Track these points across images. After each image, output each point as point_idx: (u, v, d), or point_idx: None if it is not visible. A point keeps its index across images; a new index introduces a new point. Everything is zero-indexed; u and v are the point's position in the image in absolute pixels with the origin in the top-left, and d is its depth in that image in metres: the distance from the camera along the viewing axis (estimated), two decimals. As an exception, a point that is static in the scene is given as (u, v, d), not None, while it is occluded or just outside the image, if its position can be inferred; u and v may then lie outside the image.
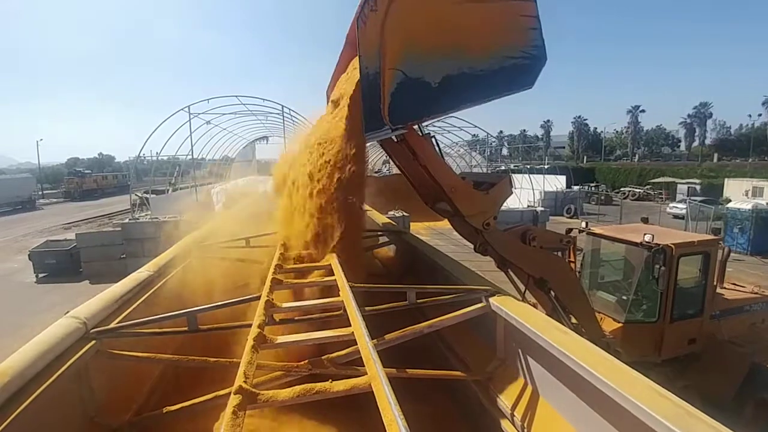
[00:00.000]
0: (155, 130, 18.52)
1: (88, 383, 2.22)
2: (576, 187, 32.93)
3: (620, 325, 6.09)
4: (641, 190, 40.62)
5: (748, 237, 18.63)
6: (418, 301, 2.66)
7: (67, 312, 2.40)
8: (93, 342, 2.22)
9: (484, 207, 3.87)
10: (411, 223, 16.24)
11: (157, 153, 22.33)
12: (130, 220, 16.44)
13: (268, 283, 2.51)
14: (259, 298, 2.31)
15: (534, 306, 5.35)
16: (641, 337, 5.98)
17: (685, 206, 23.60)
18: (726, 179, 34.52)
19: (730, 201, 24.74)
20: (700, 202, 24.24)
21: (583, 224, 7.26)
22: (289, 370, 2.15)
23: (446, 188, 3.70)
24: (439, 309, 2.86)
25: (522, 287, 4.90)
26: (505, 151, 54.08)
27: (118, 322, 2.55)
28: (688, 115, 77.50)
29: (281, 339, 1.79)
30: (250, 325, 1.96)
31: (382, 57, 2.70)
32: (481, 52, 2.89)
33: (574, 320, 5.16)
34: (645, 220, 8.09)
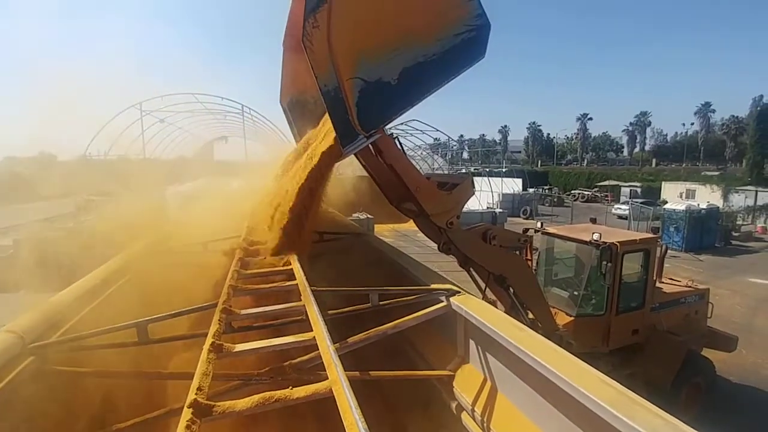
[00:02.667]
0: (103, 127, 17.39)
1: (28, 403, 2.04)
2: (531, 190, 34.48)
3: (572, 318, 6.45)
4: (590, 193, 43.25)
5: (683, 235, 20.33)
6: (381, 303, 2.68)
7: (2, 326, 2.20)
8: (31, 358, 2.04)
9: (447, 206, 3.99)
10: (375, 225, 16.24)
11: (105, 152, 20.96)
12: (74, 224, 15.28)
13: (225, 289, 2.43)
14: (215, 305, 2.22)
15: (494, 303, 5.57)
16: (591, 329, 6.36)
17: (628, 207, 25.39)
18: (663, 182, 37.38)
19: (666, 202, 26.93)
20: (641, 203, 26.15)
21: (538, 224, 7.65)
22: (249, 379, 2.08)
23: (411, 187, 3.79)
24: (402, 310, 2.90)
25: (483, 285, 5.08)
26: (465, 155, 55.70)
27: (59, 336, 2.35)
28: (630, 123, 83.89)
29: (239, 347, 1.74)
30: (206, 335, 1.88)
31: (337, 70, 2.69)
32: (429, 37, 2.91)
33: (531, 315, 5.41)
34: (593, 221, 8.61)
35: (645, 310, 6.68)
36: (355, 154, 4.34)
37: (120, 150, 21.09)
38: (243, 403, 1.28)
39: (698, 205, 22.61)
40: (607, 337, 6.36)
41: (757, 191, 27.53)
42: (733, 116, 65.49)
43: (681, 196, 31.02)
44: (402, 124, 26.02)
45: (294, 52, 3.76)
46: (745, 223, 24.89)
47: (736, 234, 23.06)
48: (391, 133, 4.11)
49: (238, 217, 5.39)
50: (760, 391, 8.13)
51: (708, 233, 21.29)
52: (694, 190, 32.13)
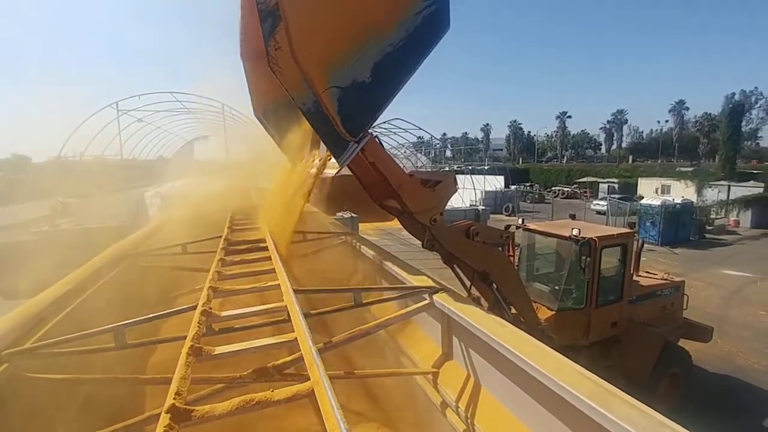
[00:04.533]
0: (78, 127, 16.86)
1: (2, 411, 1.96)
2: (513, 187, 34.98)
3: (553, 312, 6.55)
4: (569, 189, 44.12)
5: (658, 230, 20.98)
6: (364, 301, 2.68)
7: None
8: (5, 365, 1.97)
9: (431, 203, 3.98)
10: (360, 224, 16.23)
11: (81, 153, 20.32)
12: (50, 227, 14.79)
13: (205, 291, 2.38)
14: (195, 308, 2.18)
15: (478, 300, 5.63)
16: (571, 322, 6.46)
17: (605, 203, 26.04)
18: (639, 178, 38.33)
19: (642, 198, 27.68)
20: (618, 199, 26.84)
21: (520, 221, 7.74)
22: (232, 382, 2.05)
23: (395, 185, 3.77)
24: (386, 308, 2.91)
25: (467, 282, 5.12)
26: (448, 153, 56.09)
27: (34, 342, 2.27)
28: (608, 121, 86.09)
29: (219, 350, 1.71)
30: (185, 338, 1.85)
31: (311, 85, 2.64)
32: (391, 24, 2.85)
33: (513, 311, 5.48)
34: (573, 217, 8.80)
35: (623, 303, 6.84)
36: None
37: (97, 150, 20.47)
38: (222, 407, 1.26)
39: (673, 200, 23.36)
40: (587, 330, 6.48)
41: (729, 186, 28.56)
42: (707, 113, 67.81)
43: (657, 192, 31.92)
44: (385, 122, 26.02)
45: (253, 61, 3.68)
46: (718, 216, 25.72)
47: (710, 227, 23.86)
48: (370, 132, 4.11)
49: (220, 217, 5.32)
50: (736, 379, 8.48)
51: (683, 227, 22.00)
52: (669, 186, 33.09)
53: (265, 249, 3.50)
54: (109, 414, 2.48)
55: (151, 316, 2.45)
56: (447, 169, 41.10)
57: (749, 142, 71.08)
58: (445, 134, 77.00)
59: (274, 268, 2.76)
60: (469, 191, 26.55)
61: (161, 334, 2.84)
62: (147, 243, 4.66)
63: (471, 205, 22.41)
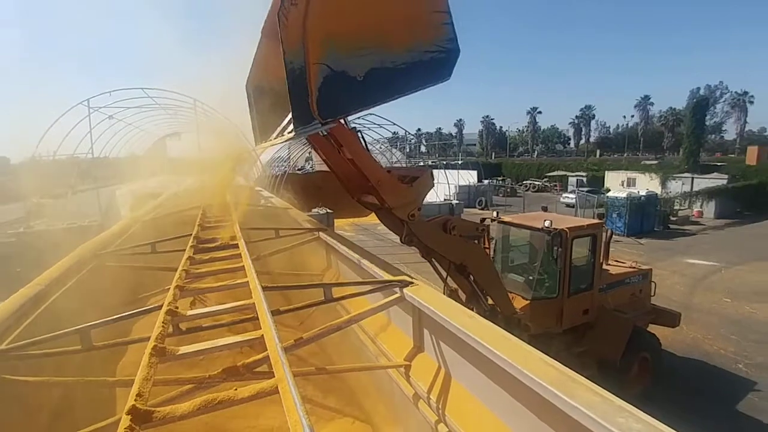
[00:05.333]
0: (50, 126, 16.06)
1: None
2: (486, 181, 35.56)
3: (528, 302, 6.73)
4: (540, 183, 45.31)
5: (625, 221, 21.86)
6: (336, 296, 2.66)
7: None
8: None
9: (408, 199, 4.07)
10: (335, 220, 16.14)
11: (53, 152, 19.30)
12: (25, 229, 14.11)
13: (171, 290, 2.32)
14: (160, 307, 2.12)
15: (455, 292, 5.72)
16: (545, 311, 6.65)
17: (574, 196, 26.89)
18: (606, 172, 39.74)
19: (609, 190, 28.76)
20: (586, 192, 27.77)
21: (494, 214, 7.93)
22: (200, 383, 2.00)
23: (373, 181, 3.83)
24: (359, 303, 2.90)
25: (445, 275, 5.20)
26: (423, 148, 56.45)
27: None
28: (576, 117, 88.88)
29: (183, 350, 1.66)
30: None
31: (306, 52, 2.72)
32: (401, 46, 3.05)
33: (490, 301, 5.60)
34: (545, 209, 9.08)
35: (594, 291, 7.08)
36: (316, 149, 4.29)
37: (68, 149, 19.53)
38: (185, 407, 1.23)
39: (638, 192, 24.36)
40: (560, 318, 6.69)
41: (693, 178, 29.95)
42: (671, 108, 70.88)
43: (623, 184, 33.17)
44: (359, 118, 25.90)
45: (270, 40, 3.73)
46: (682, 208, 26.79)
47: (674, 218, 24.88)
48: (354, 128, 4.11)
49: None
50: (703, 363, 8.93)
51: (648, 218, 22.99)
52: (635, 179, 34.41)
53: (236, 246, 3.43)
54: (78, 418, 2.41)
55: (116, 317, 2.39)
56: (422, 164, 41.36)
57: (713, 136, 74.67)
58: (419, 130, 77.75)
59: (243, 266, 2.71)
60: (443, 186, 26.84)
61: (132, 335, 2.77)
62: (116, 243, 4.52)
63: (445, 200, 22.66)
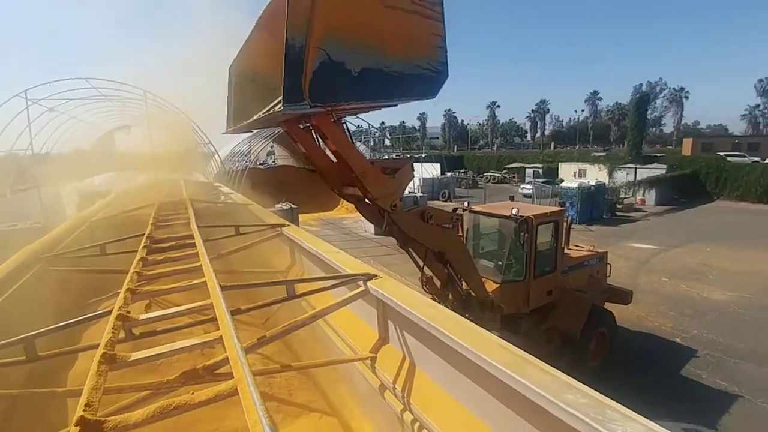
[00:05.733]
0: None
1: None
2: (449, 174, 36.27)
3: (498, 285, 7.08)
4: (500, 175, 46.82)
5: (576, 209, 23.10)
6: (301, 292, 2.64)
7: None
8: None
9: (391, 189, 4.24)
10: (300, 215, 15.91)
11: None
12: None
13: (122, 294, 2.20)
14: (110, 312, 2.01)
15: (431, 279, 5.89)
16: (514, 293, 7.01)
17: (531, 187, 28.04)
18: (560, 163, 41.67)
19: (563, 181, 30.25)
20: (542, 183, 29.01)
21: (466, 204, 8.21)
22: (158, 389, 1.92)
23: (358, 172, 3.96)
24: (323, 298, 2.90)
25: (421, 264, 5.42)
26: (387, 142, 56.52)
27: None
28: (532, 111, 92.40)
29: (135, 356, 1.59)
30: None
31: (309, 35, 2.82)
32: (397, 55, 3.31)
33: (465, 286, 5.80)
34: (512, 198, 9.52)
35: (557, 273, 7.55)
36: (294, 140, 4.30)
37: (5, 146, 17.83)
38: (138, 415, 1.18)
39: (589, 182, 25.79)
40: (527, 299, 7.07)
41: (636, 168, 32.01)
42: (617, 103, 75.32)
43: (575, 175, 34.89)
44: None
45: (263, 31, 3.82)
46: (627, 196, 28.59)
47: (620, 206, 26.55)
48: (339, 118, 4.15)
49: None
50: (649, 336, 9.74)
51: (597, 206, 24.44)
52: (585, 169, 36.29)
53: (193, 245, 3.30)
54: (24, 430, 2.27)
55: (63, 324, 2.24)
56: (386, 157, 41.43)
57: (654, 129, 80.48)
58: (383, 123, 77.65)
59: (201, 265, 2.62)
60: (408, 179, 27.13)
61: (82, 343, 2.61)
62: (61, 245, 4.22)
63: (409, 193, 22.87)
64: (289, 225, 4.63)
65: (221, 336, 1.59)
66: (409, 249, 5.34)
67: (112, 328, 1.70)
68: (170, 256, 3.16)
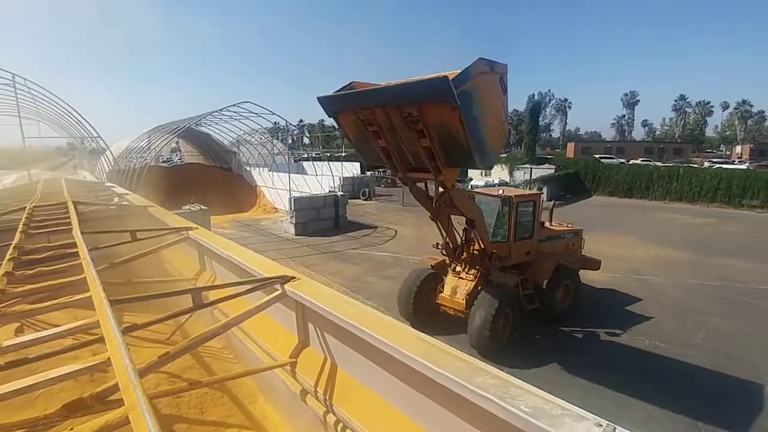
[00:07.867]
0: None
1: None
2: (369, 173, 36.69)
3: None
4: (416, 174, 48.65)
5: (485, 206, 25.05)
6: (210, 300, 2.45)
7: None
8: None
9: (455, 176, 6.75)
10: (211, 217, 14.79)
11: None
12: None
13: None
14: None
15: (447, 244, 8.72)
16: (500, 250, 9.07)
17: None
18: (470, 163, 44.78)
19: (472, 179, 32.74)
20: (455, 181, 30.88)
21: (469, 186, 10.11)
22: (33, 426, 1.62)
23: (440, 163, 6.00)
24: (237, 304, 2.71)
25: (444, 233, 8.32)
26: (306, 140, 55.28)
27: None
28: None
29: (3, 389, 1.32)
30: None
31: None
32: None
33: (477, 247, 8.61)
34: (504, 184, 11.11)
35: (533, 240, 9.79)
36: (377, 131, 6.29)
37: None
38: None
39: (493, 180, 28.17)
40: (510, 255, 9.21)
41: (531, 168, 35.81)
42: (515, 110, 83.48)
43: (482, 174, 37.85)
44: (234, 105, 23.97)
45: (346, 115, 6.65)
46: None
47: (522, 201, 29.61)
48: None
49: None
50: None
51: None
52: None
53: (75, 255, 2.86)
54: None
55: None
56: (305, 155, 40.59)
57: (545, 134, 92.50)
58: (301, 121, 75.68)
59: (85, 277, 2.27)
60: (328, 178, 26.79)
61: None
62: None
63: (330, 191, 22.65)
64: (197, 228, 4.26)
65: (109, 358, 1.38)
66: (437, 222, 7.87)
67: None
68: (44, 270, 2.69)
